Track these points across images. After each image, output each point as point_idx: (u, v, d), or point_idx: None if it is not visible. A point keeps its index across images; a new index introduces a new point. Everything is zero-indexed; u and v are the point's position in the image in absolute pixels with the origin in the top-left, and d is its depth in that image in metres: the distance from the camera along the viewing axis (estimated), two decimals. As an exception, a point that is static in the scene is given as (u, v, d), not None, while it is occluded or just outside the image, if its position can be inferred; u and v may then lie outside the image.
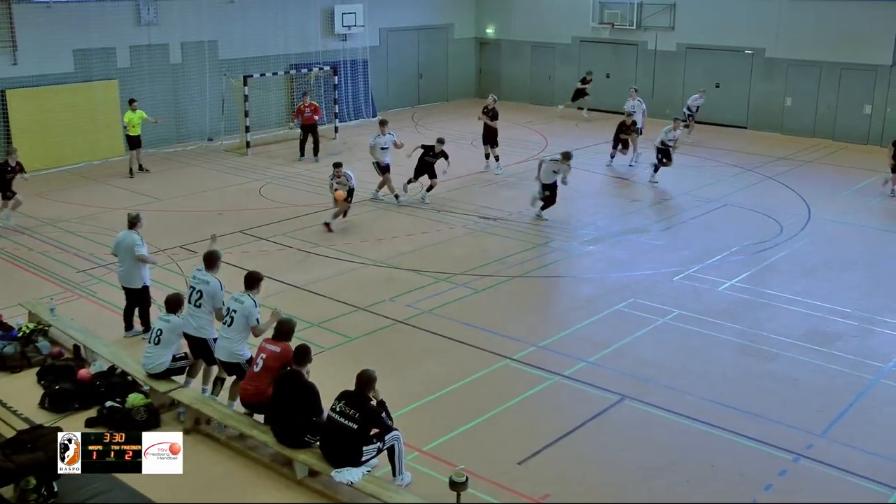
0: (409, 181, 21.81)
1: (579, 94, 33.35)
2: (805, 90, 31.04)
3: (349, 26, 32.41)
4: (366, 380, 9.80)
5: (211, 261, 11.99)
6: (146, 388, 11.79)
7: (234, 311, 11.23)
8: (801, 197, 22.47)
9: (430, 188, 21.86)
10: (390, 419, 9.89)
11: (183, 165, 26.04)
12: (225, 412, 11.14)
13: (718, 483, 10.41)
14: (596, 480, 10.43)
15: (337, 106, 30.77)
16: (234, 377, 11.48)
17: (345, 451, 9.68)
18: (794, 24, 30.92)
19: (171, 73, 28.23)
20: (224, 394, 11.76)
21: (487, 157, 25.02)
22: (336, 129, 29.83)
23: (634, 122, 26.07)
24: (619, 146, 26.06)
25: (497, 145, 24.87)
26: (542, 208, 20.58)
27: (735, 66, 32.59)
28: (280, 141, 29.16)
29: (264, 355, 10.68)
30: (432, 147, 21.83)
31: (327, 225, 19.46)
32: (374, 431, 9.75)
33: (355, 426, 9.60)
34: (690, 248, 18.33)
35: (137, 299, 14.05)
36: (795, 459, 10.91)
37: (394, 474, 9.94)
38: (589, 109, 33.42)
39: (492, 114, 24.82)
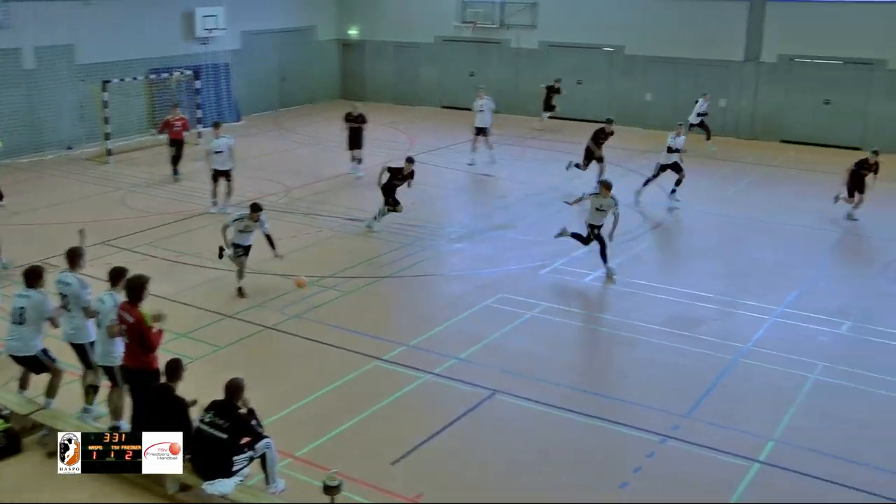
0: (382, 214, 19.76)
1: (550, 102, 31.93)
2: (664, 86, 32.04)
3: (210, 29, 31.79)
4: (234, 388, 9.65)
5: (71, 258, 11.53)
6: (5, 412, 11.31)
7: (100, 314, 10.94)
8: (664, 189, 23.11)
9: (393, 210, 19.76)
10: (260, 427, 9.77)
11: (41, 176, 25.08)
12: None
13: (589, 470, 10.64)
14: (469, 476, 10.51)
15: (200, 111, 30.17)
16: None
17: (216, 462, 9.51)
18: (651, 23, 31.91)
19: (25, 80, 27.16)
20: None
21: (353, 160, 24.86)
22: (199, 135, 29.20)
23: (612, 132, 23.71)
24: (593, 159, 23.52)
25: (361, 148, 24.76)
26: (602, 255, 17.14)
27: (596, 64, 33.41)
28: (143, 148, 28.40)
29: (125, 326, 10.57)
30: (400, 169, 19.61)
31: (240, 290, 16.07)
32: (245, 440, 9.61)
33: (225, 436, 9.44)
34: (556, 242, 18.62)
35: None
36: (662, 441, 11.26)
37: (267, 482, 9.80)
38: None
39: (360, 119, 24.65)
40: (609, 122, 23.88)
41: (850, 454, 11.10)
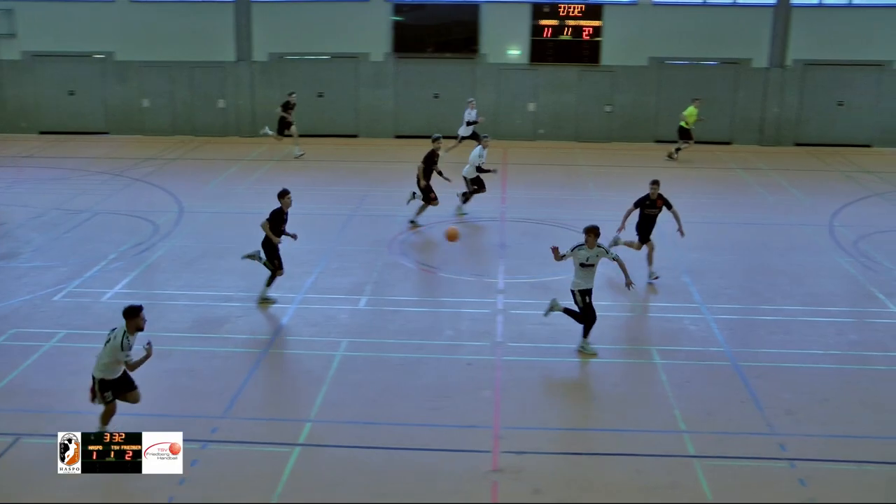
0: (274, 263, 16.10)
1: (284, 122, 27.82)
2: (160, 90, 31.84)
3: None
4: None
5: None
6: None
7: None
8: (172, 194, 22.97)
9: (271, 279, 16.25)
10: None
11: None
12: None
13: (134, 498, 10.33)
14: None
15: None
16: None
17: None
18: (140, 27, 31.54)
19: None
20: None
21: None
22: None
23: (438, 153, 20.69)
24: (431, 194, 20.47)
25: None
26: (585, 332, 13.96)
27: (88, 72, 32.35)
28: None
29: None
30: (281, 211, 15.85)
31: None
32: None
33: None
34: (68, 264, 17.81)
35: None
36: (203, 446, 11.29)
37: None
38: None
39: None
40: (436, 140, 20.77)
41: (376, 417, 12.03)
